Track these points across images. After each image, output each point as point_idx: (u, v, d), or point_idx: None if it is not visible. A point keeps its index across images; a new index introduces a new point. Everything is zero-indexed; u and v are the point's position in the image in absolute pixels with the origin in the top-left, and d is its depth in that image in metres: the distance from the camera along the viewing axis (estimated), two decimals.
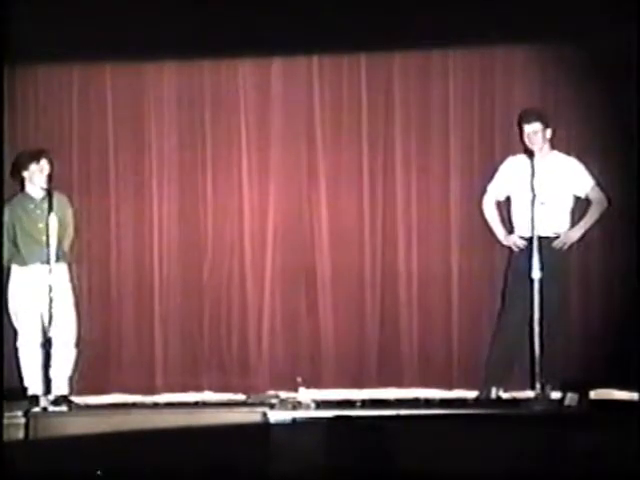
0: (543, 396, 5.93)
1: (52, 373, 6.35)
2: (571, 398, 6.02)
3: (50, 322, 6.13)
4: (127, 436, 5.59)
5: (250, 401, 6.73)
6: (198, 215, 7.22)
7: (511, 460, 5.31)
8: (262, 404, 6.15)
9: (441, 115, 7.07)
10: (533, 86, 6.94)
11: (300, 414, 5.81)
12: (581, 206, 6.58)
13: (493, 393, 6.48)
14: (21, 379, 6.59)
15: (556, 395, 6.13)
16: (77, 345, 6.69)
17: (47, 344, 6.27)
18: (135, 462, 5.44)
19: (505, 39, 6.80)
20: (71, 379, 6.67)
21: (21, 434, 5.68)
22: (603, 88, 6.63)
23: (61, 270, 6.58)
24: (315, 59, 7.15)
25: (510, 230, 6.62)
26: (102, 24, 6.65)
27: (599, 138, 6.74)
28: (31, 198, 6.65)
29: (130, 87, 7.26)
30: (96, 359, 6.95)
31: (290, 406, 6.10)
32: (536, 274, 5.99)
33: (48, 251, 6.20)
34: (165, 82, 7.26)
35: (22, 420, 5.73)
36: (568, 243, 6.48)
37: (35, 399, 6.12)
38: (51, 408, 5.99)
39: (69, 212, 6.77)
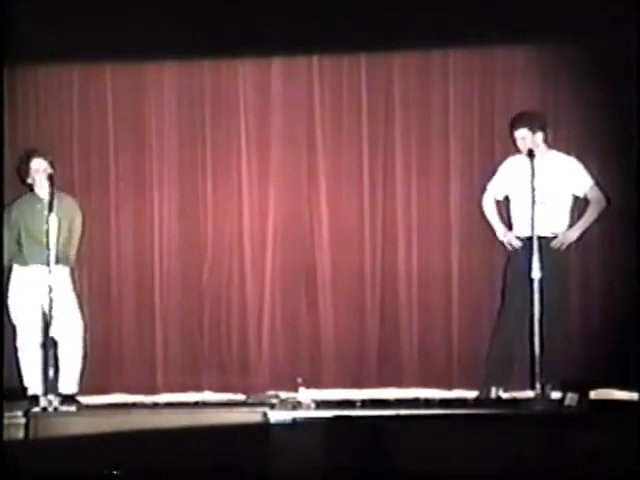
0: (543, 396, 5.93)
1: (60, 373, 6.38)
2: (571, 398, 6.01)
3: (50, 322, 6.12)
4: (127, 436, 5.59)
5: (250, 401, 6.73)
6: (198, 215, 7.23)
7: (511, 460, 5.31)
8: (262, 404, 6.14)
9: (441, 115, 7.07)
10: (533, 86, 6.94)
11: (300, 414, 5.81)
12: (581, 206, 6.59)
13: (493, 392, 6.48)
14: (21, 379, 6.59)
15: (556, 395, 6.13)
16: (82, 346, 6.71)
17: (47, 344, 6.28)
18: (135, 462, 5.44)
19: (505, 39, 6.81)
20: (80, 379, 6.69)
21: (21, 434, 5.68)
22: (603, 88, 6.63)
23: (63, 273, 6.58)
24: (315, 59, 7.15)
25: (509, 228, 6.63)
26: (102, 24, 6.65)
27: (599, 138, 6.74)
28: (38, 199, 6.65)
29: (130, 87, 7.26)
30: (97, 359, 6.95)
31: (290, 406, 6.10)
32: (536, 274, 5.99)
33: (51, 251, 6.19)
34: (165, 82, 7.26)
35: (22, 420, 5.73)
36: (566, 243, 6.49)
37: (35, 399, 6.12)
38: (61, 408, 5.99)
39: (77, 220, 6.76)
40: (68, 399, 6.36)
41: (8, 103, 6.88)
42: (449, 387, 6.88)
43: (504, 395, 6.51)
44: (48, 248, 6.16)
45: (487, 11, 6.51)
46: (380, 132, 7.14)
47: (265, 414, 5.67)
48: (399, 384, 6.95)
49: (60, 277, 6.46)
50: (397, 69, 7.12)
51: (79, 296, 6.78)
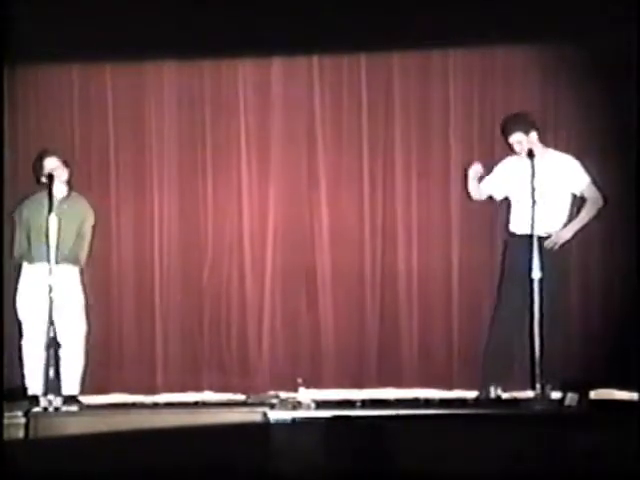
0: (543, 396, 5.93)
1: (62, 373, 6.38)
2: (571, 398, 6.02)
3: (53, 322, 6.12)
4: (127, 436, 5.59)
5: (250, 401, 6.73)
6: (198, 215, 7.23)
7: (511, 460, 5.31)
8: (262, 404, 6.15)
9: (441, 115, 7.07)
10: (533, 86, 6.94)
11: (300, 414, 5.81)
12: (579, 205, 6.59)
13: (492, 391, 6.48)
14: (22, 378, 6.58)
15: (556, 395, 6.13)
16: (85, 346, 6.72)
17: (51, 344, 6.29)
18: (135, 462, 5.44)
19: (505, 39, 6.80)
20: (82, 379, 6.70)
21: (21, 434, 5.68)
22: (603, 88, 6.63)
23: (73, 273, 6.62)
24: (315, 59, 7.15)
25: (507, 226, 6.60)
26: (102, 24, 6.65)
27: (599, 138, 6.74)
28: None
29: (130, 87, 7.26)
30: (97, 359, 6.94)
31: (290, 406, 6.10)
32: (536, 274, 5.99)
33: (51, 251, 6.19)
34: (165, 82, 7.26)
35: (22, 420, 5.73)
36: (559, 242, 6.45)
37: (35, 399, 6.12)
38: (63, 408, 6.01)
39: (89, 221, 6.79)
40: (70, 400, 6.37)
41: (8, 103, 6.88)
42: (449, 387, 6.88)
43: (504, 395, 6.51)
44: (48, 247, 6.18)
45: (487, 11, 6.50)
46: (380, 132, 7.14)
47: (265, 414, 5.68)
48: (399, 384, 6.95)
49: (69, 277, 6.53)
50: (397, 69, 7.12)
51: (87, 296, 6.78)
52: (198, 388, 7.09)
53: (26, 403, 6.09)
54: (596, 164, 6.63)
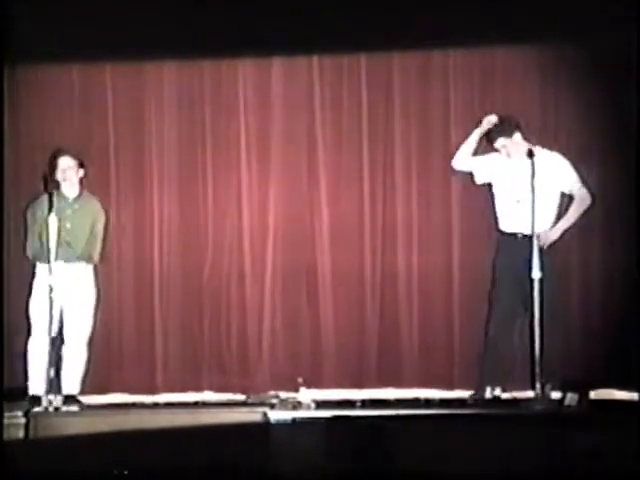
0: (543, 396, 5.93)
1: (64, 373, 6.39)
2: (571, 398, 6.02)
3: (52, 321, 6.13)
4: (127, 436, 5.59)
5: (250, 401, 6.73)
6: (198, 215, 7.23)
7: (511, 460, 5.31)
8: (262, 404, 6.15)
9: (441, 115, 7.07)
10: (533, 86, 6.94)
11: (300, 414, 5.81)
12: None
13: (488, 392, 6.48)
14: (26, 378, 6.56)
15: (556, 395, 6.13)
16: (88, 345, 6.73)
17: (57, 344, 6.31)
18: (135, 462, 5.44)
19: (505, 39, 6.80)
20: (83, 379, 6.70)
21: (21, 434, 5.68)
22: (603, 88, 6.63)
23: (87, 271, 6.67)
24: (315, 59, 7.15)
25: (495, 223, 6.61)
26: (102, 24, 6.65)
27: (599, 138, 6.74)
28: (65, 197, 6.68)
29: (130, 87, 7.26)
30: (97, 359, 6.94)
31: (290, 406, 6.10)
32: (536, 274, 5.99)
33: (51, 251, 6.20)
34: (165, 82, 7.26)
35: (22, 420, 5.73)
36: (547, 243, 6.39)
37: (37, 399, 6.12)
38: (63, 408, 6.00)
39: (100, 221, 6.83)
40: (70, 399, 6.37)
41: (8, 103, 6.88)
42: (449, 387, 6.88)
43: (504, 395, 6.51)
44: (48, 247, 6.19)
45: (487, 11, 6.51)
46: (380, 132, 7.14)
47: (265, 414, 5.68)
48: (399, 384, 6.95)
49: (83, 275, 6.60)
50: (397, 69, 7.12)
51: (99, 294, 6.80)
52: (198, 388, 7.09)
53: (26, 403, 6.10)
54: (596, 164, 6.64)
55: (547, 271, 6.07)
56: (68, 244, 6.54)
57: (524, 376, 6.35)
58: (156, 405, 6.81)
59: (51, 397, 6.00)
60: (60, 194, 6.65)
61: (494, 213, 6.63)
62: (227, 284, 7.20)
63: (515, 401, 6.33)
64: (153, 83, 7.27)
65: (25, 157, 7.14)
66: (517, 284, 6.33)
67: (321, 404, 6.17)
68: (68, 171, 6.67)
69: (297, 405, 6.15)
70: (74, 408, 6.23)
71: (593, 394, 6.28)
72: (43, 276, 6.48)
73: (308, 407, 6.09)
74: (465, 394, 6.64)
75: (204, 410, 6.35)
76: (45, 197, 6.54)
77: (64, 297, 6.42)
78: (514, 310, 6.44)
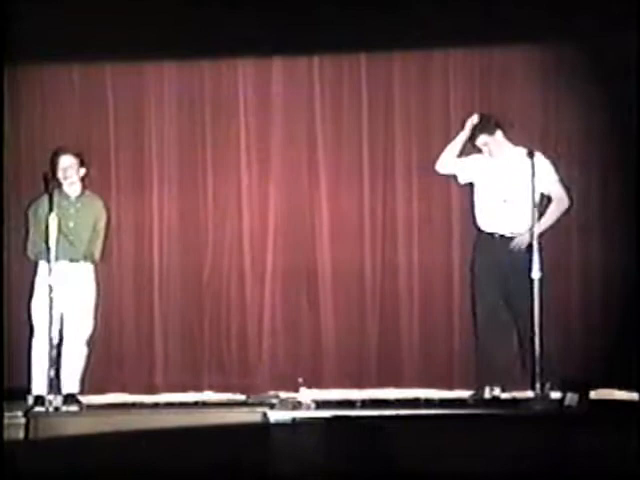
0: (543, 396, 5.93)
1: (64, 371, 6.38)
2: (571, 398, 6.02)
3: (52, 321, 6.13)
4: (127, 436, 5.59)
5: (250, 401, 6.73)
6: (198, 215, 7.23)
7: (511, 460, 5.31)
8: (262, 404, 6.15)
9: (441, 115, 7.07)
10: (533, 87, 6.94)
11: (300, 414, 5.81)
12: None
13: (487, 392, 6.47)
14: (29, 378, 6.55)
15: (556, 395, 6.13)
16: (89, 344, 6.72)
17: (60, 343, 6.32)
18: (135, 462, 5.44)
19: (505, 39, 6.80)
20: (83, 377, 6.70)
21: (21, 434, 5.68)
22: (603, 88, 6.63)
23: (88, 270, 6.67)
24: (315, 59, 7.15)
25: (473, 220, 6.63)
26: (102, 24, 6.65)
27: (599, 138, 6.74)
28: (67, 196, 6.68)
29: (130, 87, 7.26)
30: (96, 359, 6.94)
31: (290, 406, 6.10)
32: (536, 274, 5.99)
33: (51, 251, 6.20)
34: (165, 82, 7.26)
35: (22, 420, 5.73)
36: (524, 245, 6.32)
37: (41, 399, 6.12)
38: (63, 408, 6.01)
39: (102, 220, 6.83)
40: (70, 399, 6.37)
41: (8, 103, 6.88)
42: (449, 387, 6.88)
43: (503, 395, 6.51)
44: (48, 247, 6.19)
45: (487, 11, 6.51)
46: (380, 131, 7.14)
47: (265, 414, 5.68)
48: (399, 384, 6.95)
49: (84, 274, 6.62)
50: (397, 69, 7.12)
51: (100, 293, 6.80)
52: (198, 388, 7.09)
53: (26, 403, 6.10)
54: (595, 164, 6.63)
55: (515, 269, 6.13)
56: (71, 243, 6.55)
57: (522, 376, 6.36)
58: (156, 405, 6.80)
59: (51, 397, 6.00)
60: (62, 193, 6.65)
61: (472, 211, 6.63)
62: (227, 284, 7.20)
63: (515, 401, 6.33)
64: (153, 83, 7.26)
65: (25, 157, 7.14)
66: (497, 282, 6.37)
67: (321, 404, 6.17)
68: (69, 170, 6.66)
69: (297, 405, 6.15)
70: (74, 408, 6.23)
71: (593, 394, 6.27)
72: (45, 275, 6.48)
73: (308, 407, 6.09)
74: (465, 394, 6.64)
75: (204, 410, 6.35)
76: (47, 196, 6.55)
77: (65, 296, 6.42)
78: (497, 309, 6.45)
